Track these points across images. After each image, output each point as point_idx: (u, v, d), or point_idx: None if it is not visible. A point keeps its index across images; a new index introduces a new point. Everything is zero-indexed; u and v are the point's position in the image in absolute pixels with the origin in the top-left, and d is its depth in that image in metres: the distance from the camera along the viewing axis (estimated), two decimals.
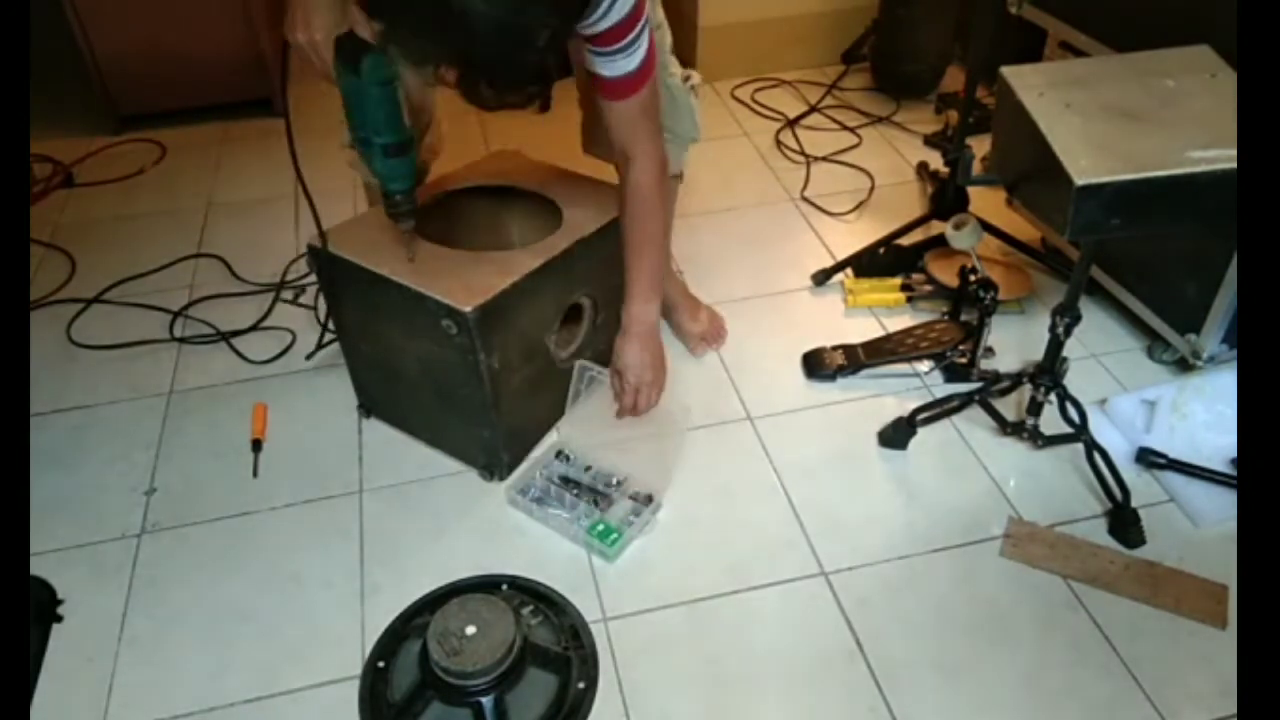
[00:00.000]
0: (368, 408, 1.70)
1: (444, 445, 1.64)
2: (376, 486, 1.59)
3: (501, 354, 1.44)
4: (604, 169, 1.67)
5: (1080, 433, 1.54)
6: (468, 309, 1.35)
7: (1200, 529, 1.48)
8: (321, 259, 1.50)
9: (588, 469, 1.58)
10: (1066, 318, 1.45)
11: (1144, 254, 1.76)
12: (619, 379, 1.54)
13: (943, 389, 1.75)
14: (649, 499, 1.53)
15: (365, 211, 1.63)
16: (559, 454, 1.60)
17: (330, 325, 1.79)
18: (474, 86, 1.11)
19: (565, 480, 1.56)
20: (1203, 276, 1.60)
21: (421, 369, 1.52)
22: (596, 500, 1.52)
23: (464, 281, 1.40)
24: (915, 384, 1.77)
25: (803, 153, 2.50)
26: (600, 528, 1.48)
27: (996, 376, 1.70)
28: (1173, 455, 1.55)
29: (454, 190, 1.69)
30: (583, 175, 1.73)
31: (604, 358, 1.75)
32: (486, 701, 1.21)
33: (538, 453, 1.64)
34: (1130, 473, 1.54)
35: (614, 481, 1.55)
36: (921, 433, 1.63)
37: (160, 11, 2.49)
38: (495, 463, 1.57)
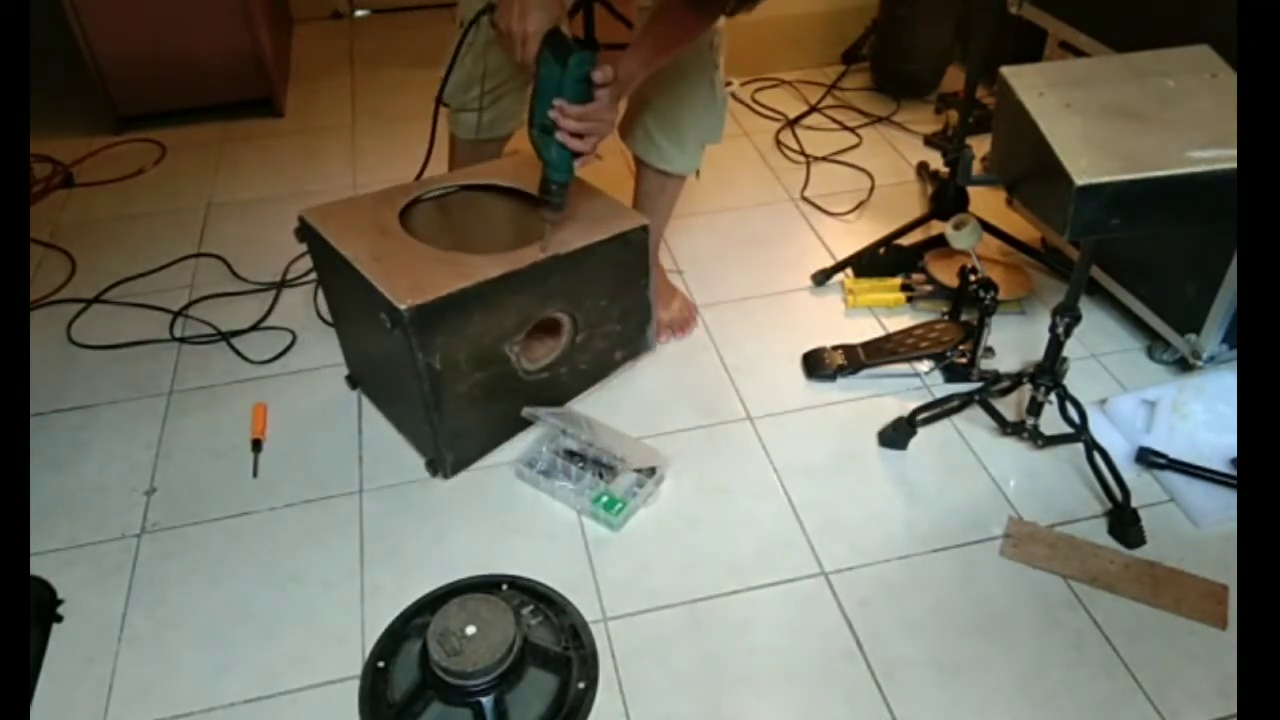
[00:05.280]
0: (354, 380, 1.76)
1: (405, 431, 1.67)
2: (376, 486, 1.59)
3: (445, 356, 1.44)
4: (621, 175, 1.68)
5: (1080, 433, 1.54)
6: (403, 306, 1.35)
7: (1200, 529, 1.48)
8: (311, 235, 1.55)
9: (591, 444, 1.60)
10: (1066, 318, 1.45)
11: (1144, 254, 1.76)
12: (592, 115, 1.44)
13: (943, 389, 1.75)
14: (652, 471, 1.55)
15: (359, 195, 1.64)
16: (564, 430, 1.62)
17: None
18: None
19: (570, 454, 1.59)
20: (1203, 276, 1.60)
21: (381, 354, 1.56)
22: (601, 473, 1.55)
23: (415, 279, 1.40)
24: (915, 384, 1.77)
25: (803, 153, 2.50)
26: (605, 498, 1.50)
27: (996, 376, 1.70)
28: (1173, 455, 1.55)
29: (475, 185, 1.70)
30: (593, 187, 1.71)
31: (584, 377, 1.74)
32: (486, 701, 1.21)
33: (538, 432, 1.64)
34: (1130, 473, 1.55)
35: (617, 455, 1.57)
36: (921, 433, 1.63)
37: (160, 11, 2.49)
38: (439, 460, 1.57)
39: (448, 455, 1.57)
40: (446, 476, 1.58)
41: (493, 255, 1.49)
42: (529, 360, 1.61)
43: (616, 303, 1.68)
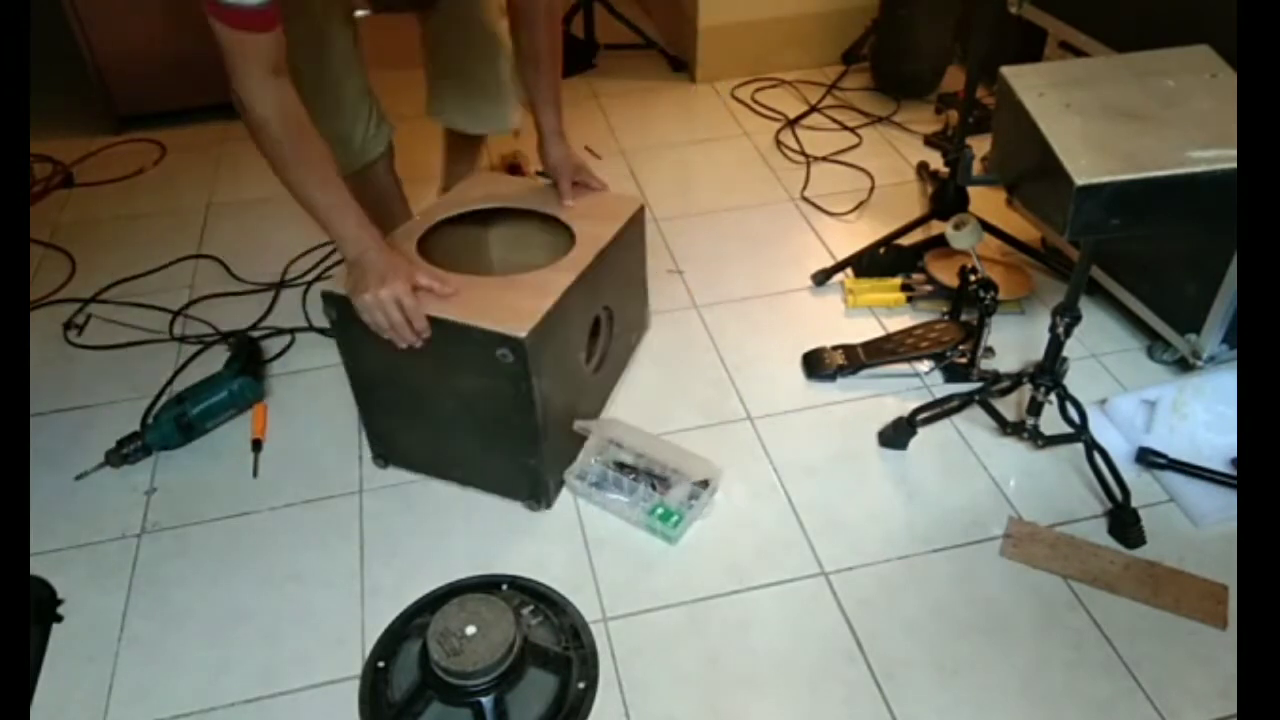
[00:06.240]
0: (385, 456, 1.61)
1: (480, 482, 1.56)
2: (376, 486, 1.59)
3: (548, 377, 1.40)
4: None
5: (1080, 433, 1.54)
6: (522, 334, 1.30)
7: (1200, 529, 1.48)
8: (340, 307, 1.39)
9: (642, 455, 1.57)
10: (1066, 318, 1.45)
11: (1144, 254, 1.76)
12: (569, 175, 1.63)
13: (943, 389, 1.75)
14: (705, 482, 1.53)
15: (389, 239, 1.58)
16: (617, 442, 1.58)
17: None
18: None
19: (621, 465, 1.56)
20: (1203, 276, 1.60)
21: (460, 407, 1.45)
22: (654, 484, 1.53)
23: (506, 307, 1.35)
24: (915, 384, 1.77)
25: (803, 153, 2.50)
26: (660, 510, 1.49)
27: (996, 376, 1.70)
28: (1173, 455, 1.55)
29: (443, 220, 1.60)
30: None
31: (616, 366, 1.73)
32: (486, 701, 1.21)
33: (586, 444, 1.61)
34: (1130, 473, 1.54)
35: (669, 466, 1.55)
36: (921, 433, 1.63)
37: (160, 11, 2.49)
38: (541, 491, 1.51)
39: (550, 482, 1.51)
40: (549, 506, 1.52)
41: (551, 267, 1.45)
42: (586, 365, 1.59)
43: (629, 287, 1.70)
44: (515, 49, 1.63)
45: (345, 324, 1.41)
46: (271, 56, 1.25)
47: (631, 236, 1.65)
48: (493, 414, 1.43)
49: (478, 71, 1.81)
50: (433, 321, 1.34)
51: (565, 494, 1.56)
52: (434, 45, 1.81)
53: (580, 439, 1.59)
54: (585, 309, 1.52)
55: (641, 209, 1.67)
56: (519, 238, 1.69)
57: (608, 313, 1.62)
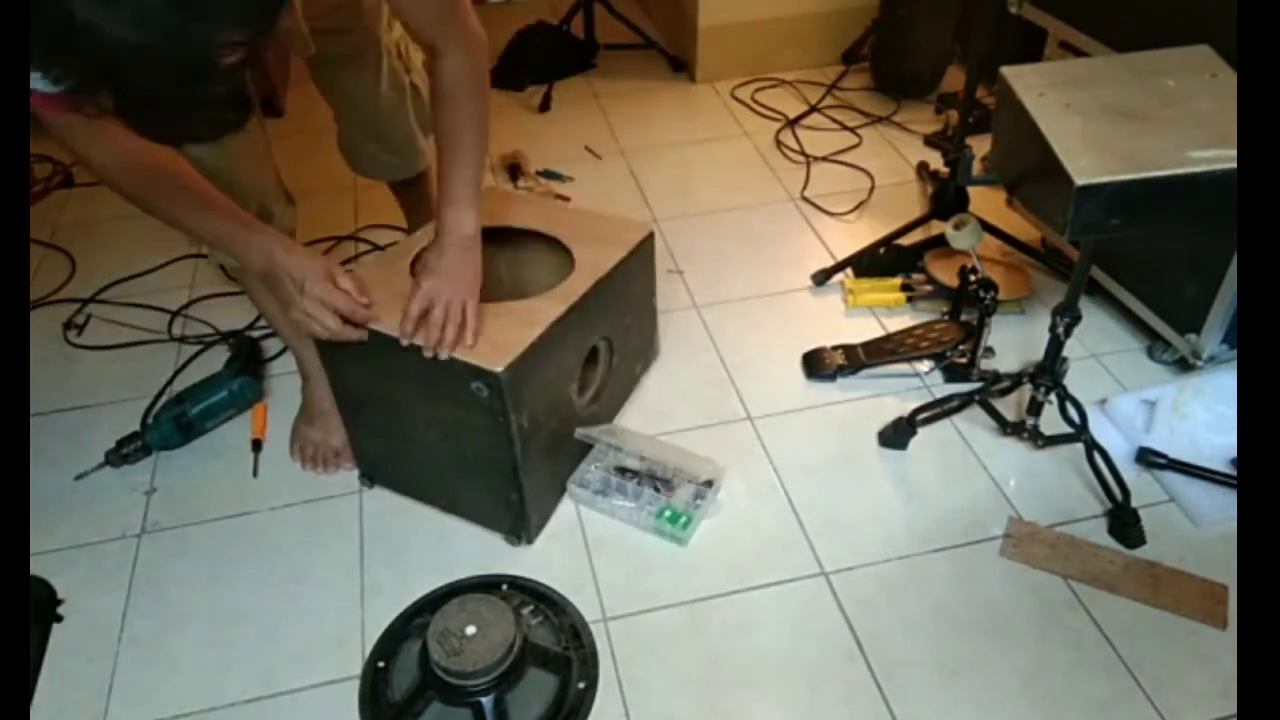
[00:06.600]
0: (371, 476, 1.59)
1: (461, 511, 1.52)
2: (376, 486, 1.59)
3: (530, 411, 1.36)
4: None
5: (1080, 433, 1.54)
6: (499, 369, 1.26)
7: (1200, 529, 1.48)
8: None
9: (642, 459, 1.55)
10: (1066, 318, 1.45)
11: (1144, 254, 1.76)
12: (422, 300, 1.28)
13: (943, 389, 1.75)
14: (709, 482, 1.53)
15: (369, 263, 1.55)
16: (611, 446, 1.57)
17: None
18: (137, 119, 0.92)
19: (622, 470, 1.54)
20: (1203, 276, 1.60)
21: (441, 435, 1.41)
22: (657, 486, 1.52)
23: (487, 338, 1.31)
24: (915, 384, 1.77)
25: (803, 153, 2.50)
26: (668, 513, 1.48)
27: (996, 376, 1.70)
28: (1173, 455, 1.55)
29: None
30: (583, 210, 1.67)
31: (618, 398, 1.69)
32: (486, 701, 1.21)
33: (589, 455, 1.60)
34: (1130, 473, 1.54)
35: (670, 467, 1.54)
36: (921, 433, 1.63)
37: None
38: (521, 526, 1.46)
39: (532, 517, 1.47)
40: (530, 542, 1.48)
41: (542, 296, 1.41)
42: (579, 397, 1.54)
43: (635, 317, 1.67)
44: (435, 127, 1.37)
45: (323, 340, 1.36)
46: (82, 130, 1.12)
47: (637, 264, 1.59)
48: (473, 445, 1.39)
49: (385, 128, 1.70)
50: (411, 349, 1.30)
51: (566, 496, 1.56)
52: (339, 105, 1.69)
53: (571, 468, 1.55)
54: (578, 341, 1.47)
55: (650, 236, 1.60)
56: (528, 258, 1.64)
57: (607, 343, 1.57)
